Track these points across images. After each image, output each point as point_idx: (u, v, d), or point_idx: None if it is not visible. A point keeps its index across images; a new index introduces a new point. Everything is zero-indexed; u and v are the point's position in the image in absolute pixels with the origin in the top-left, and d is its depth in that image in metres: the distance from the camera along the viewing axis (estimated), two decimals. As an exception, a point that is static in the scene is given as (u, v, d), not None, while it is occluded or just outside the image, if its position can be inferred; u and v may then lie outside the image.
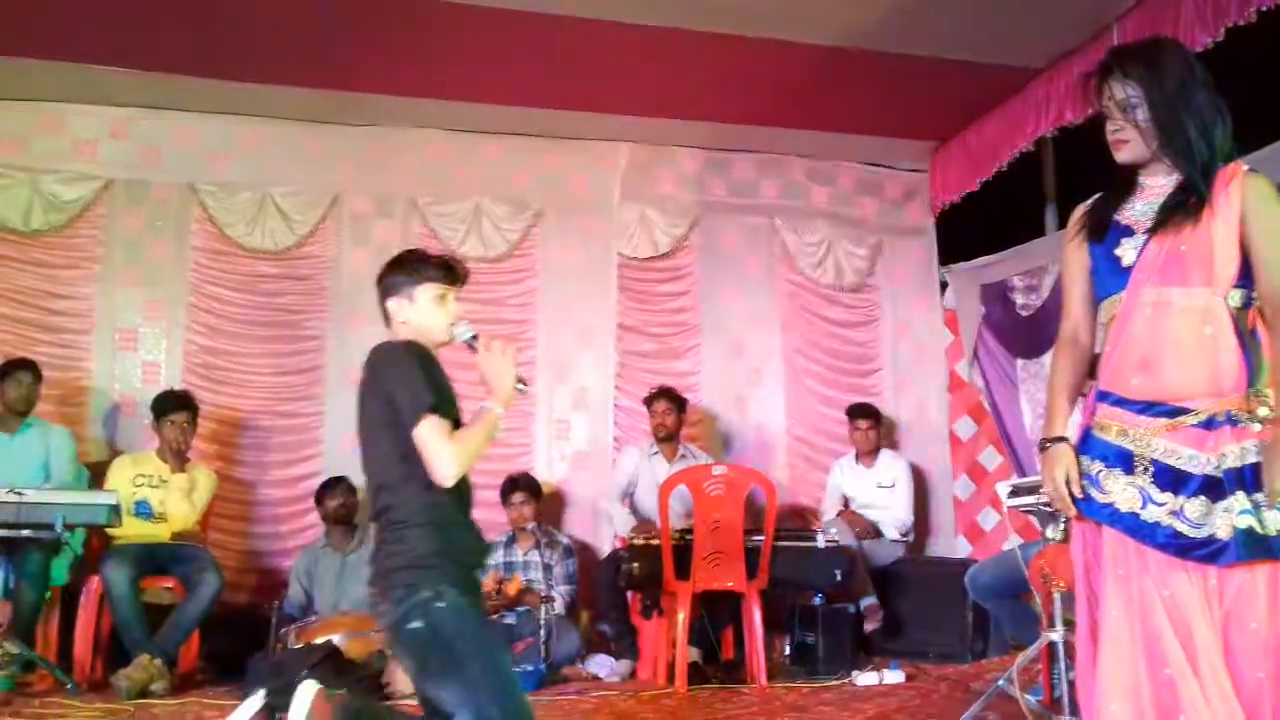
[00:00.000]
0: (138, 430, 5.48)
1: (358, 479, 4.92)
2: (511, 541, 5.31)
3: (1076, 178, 5.32)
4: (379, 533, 2.37)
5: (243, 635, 4.76)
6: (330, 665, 4.06)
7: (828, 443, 6.33)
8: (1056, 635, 3.55)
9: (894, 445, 6.32)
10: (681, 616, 4.60)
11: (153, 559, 4.75)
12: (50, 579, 4.62)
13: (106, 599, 4.58)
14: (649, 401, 5.74)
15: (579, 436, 6.16)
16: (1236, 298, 2.07)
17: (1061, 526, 3.53)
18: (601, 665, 5.06)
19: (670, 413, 5.66)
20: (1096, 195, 2.29)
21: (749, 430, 6.37)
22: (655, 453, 5.71)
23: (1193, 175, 2.10)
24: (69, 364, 5.58)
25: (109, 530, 4.68)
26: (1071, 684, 3.43)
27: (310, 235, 5.97)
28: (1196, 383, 2.06)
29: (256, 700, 3.58)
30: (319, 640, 4.29)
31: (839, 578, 4.85)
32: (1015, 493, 4.05)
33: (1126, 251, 2.15)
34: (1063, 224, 2.82)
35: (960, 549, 6.34)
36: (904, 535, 5.82)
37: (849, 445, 6.05)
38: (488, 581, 4.88)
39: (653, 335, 6.34)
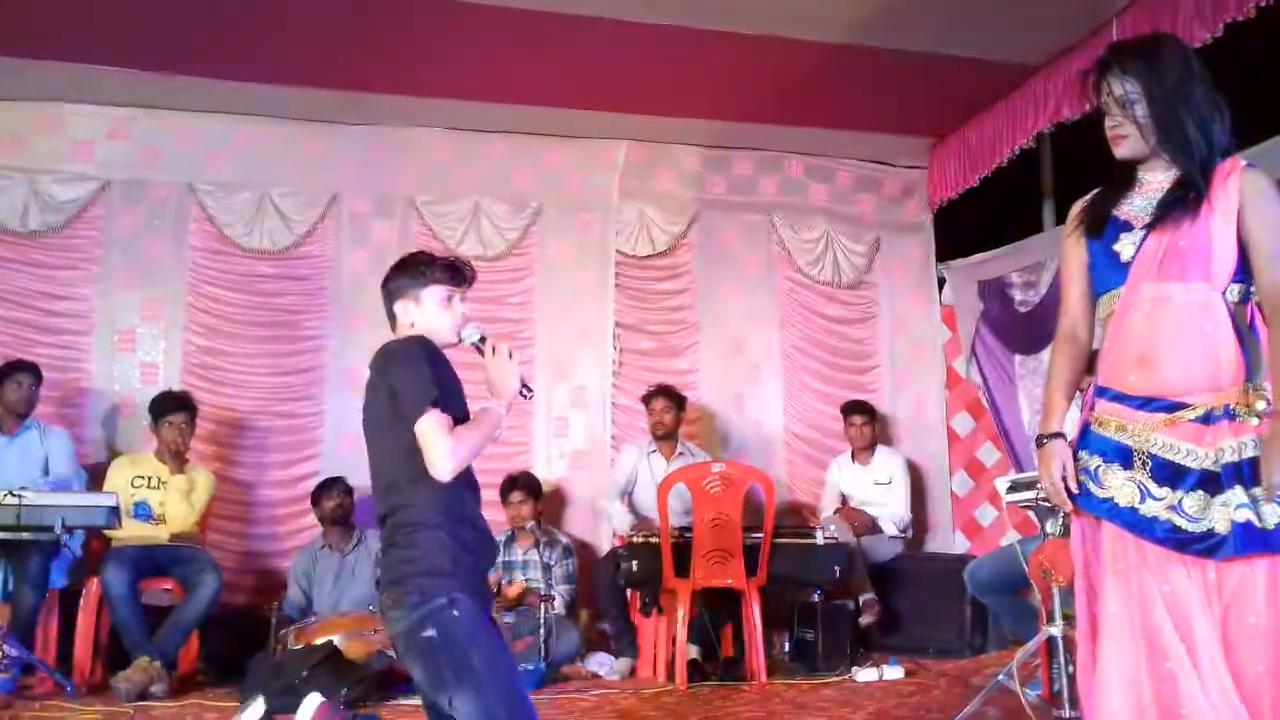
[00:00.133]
0: (136, 431, 5.46)
1: (356, 479, 4.91)
2: (511, 540, 5.30)
3: (1075, 174, 5.31)
4: (388, 534, 2.31)
5: (242, 636, 4.75)
6: (330, 666, 4.06)
7: (826, 439, 6.32)
8: (1056, 630, 3.57)
9: (891, 441, 6.32)
10: (681, 614, 4.60)
11: (152, 560, 4.74)
12: (49, 581, 4.60)
13: (105, 601, 4.57)
14: (647, 399, 5.74)
15: (578, 435, 6.15)
16: (1235, 293, 2.07)
17: (1060, 521, 3.54)
18: (601, 663, 5.06)
19: (669, 410, 5.66)
20: (1095, 191, 2.29)
21: (747, 428, 6.37)
22: (654, 451, 5.71)
23: (1191, 171, 2.10)
24: (68, 365, 5.57)
25: (107, 532, 4.67)
26: (1071, 679, 3.44)
27: (309, 235, 5.96)
28: (1195, 378, 2.06)
29: (258, 708, 3.58)
30: (318, 641, 4.28)
31: (838, 574, 4.85)
32: (1013, 488, 4.07)
33: (1125, 247, 2.15)
34: (1061, 220, 2.82)
35: (959, 545, 6.35)
36: (902, 531, 5.82)
37: (846, 442, 6.06)
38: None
39: (651, 333, 6.34)
